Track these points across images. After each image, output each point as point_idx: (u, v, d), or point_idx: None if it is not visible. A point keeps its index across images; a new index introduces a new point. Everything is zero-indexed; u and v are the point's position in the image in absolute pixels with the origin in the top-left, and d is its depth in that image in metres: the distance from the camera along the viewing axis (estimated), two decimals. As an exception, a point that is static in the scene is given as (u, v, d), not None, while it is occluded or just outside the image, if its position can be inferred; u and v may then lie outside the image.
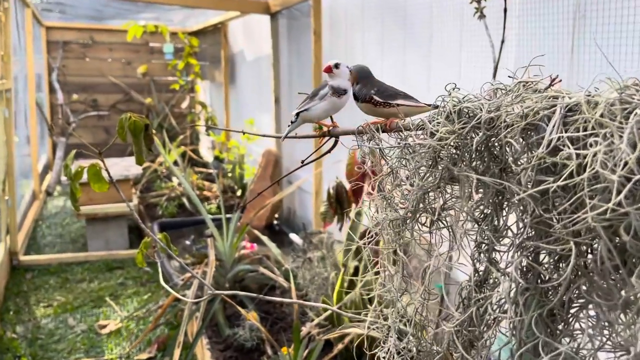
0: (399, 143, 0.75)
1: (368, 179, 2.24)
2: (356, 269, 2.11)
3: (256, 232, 2.88)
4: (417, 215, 0.71)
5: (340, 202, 2.33)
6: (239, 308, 2.17)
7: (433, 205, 0.73)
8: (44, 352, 2.42)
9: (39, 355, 2.39)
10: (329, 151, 0.88)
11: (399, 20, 2.32)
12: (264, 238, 2.78)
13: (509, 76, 0.76)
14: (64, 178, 3.64)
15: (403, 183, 0.72)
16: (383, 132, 0.76)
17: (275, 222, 3.73)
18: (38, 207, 4.54)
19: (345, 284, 2.01)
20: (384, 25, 2.43)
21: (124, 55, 6.22)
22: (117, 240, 3.75)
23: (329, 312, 1.92)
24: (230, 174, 4.49)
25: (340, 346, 1.77)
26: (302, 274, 2.21)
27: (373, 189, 2.34)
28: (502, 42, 1.38)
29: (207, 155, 5.85)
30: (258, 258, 2.60)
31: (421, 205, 0.72)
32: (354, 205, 2.32)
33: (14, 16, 3.71)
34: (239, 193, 4.29)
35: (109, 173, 1.07)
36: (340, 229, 2.35)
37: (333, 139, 0.97)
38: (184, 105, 6.31)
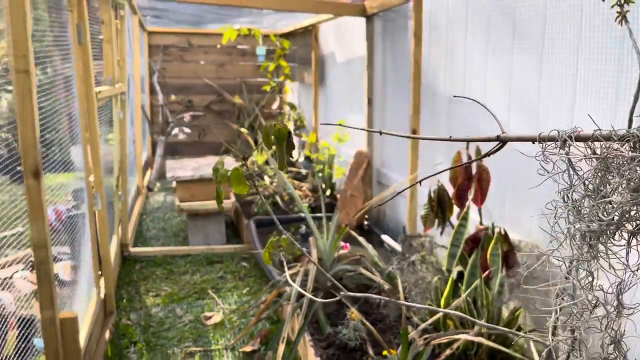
0: (596, 153, 0.72)
1: (474, 184, 2.21)
2: (460, 274, 2.10)
3: (352, 232, 2.91)
4: (617, 229, 0.70)
5: (442, 206, 2.32)
6: (350, 307, 2.21)
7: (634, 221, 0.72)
8: (157, 339, 2.58)
9: (152, 342, 2.55)
10: (488, 154, 0.88)
11: (506, 23, 2.27)
12: (361, 239, 2.82)
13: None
14: (169, 175, 3.85)
15: (598, 195, 0.71)
16: (576, 140, 0.74)
17: (365, 222, 3.76)
18: (142, 202, 4.83)
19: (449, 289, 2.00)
20: (490, 28, 2.39)
21: (217, 58, 6.48)
22: (215, 236, 3.93)
23: (435, 316, 1.92)
24: (319, 174, 4.57)
25: (448, 352, 1.76)
26: (403, 277, 2.22)
27: (481, 194, 2.29)
28: None
29: (295, 154, 5.97)
30: (356, 258, 2.63)
31: (623, 218, 0.70)
32: (457, 209, 2.30)
33: (126, 23, 3.97)
34: (327, 192, 4.36)
35: (252, 178, 1.13)
36: (441, 233, 2.34)
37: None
38: (274, 106, 6.48)
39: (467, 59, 2.59)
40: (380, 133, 1.03)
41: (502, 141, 0.82)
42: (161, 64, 6.28)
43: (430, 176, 0.98)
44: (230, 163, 4.14)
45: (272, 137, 1.04)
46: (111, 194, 3.30)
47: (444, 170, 1.03)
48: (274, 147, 1.11)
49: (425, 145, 2.92)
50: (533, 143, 0.75)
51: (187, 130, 5.70)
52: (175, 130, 5.79)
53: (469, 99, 1.00)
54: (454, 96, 1.38)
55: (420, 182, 0.97)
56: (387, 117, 3.64)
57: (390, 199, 1.21)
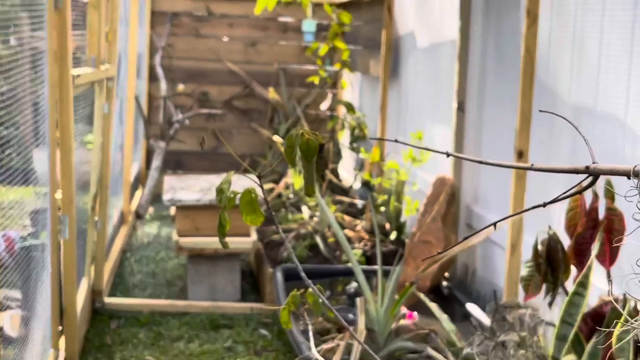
0: None
1: (601, 234, 2.24)
2: (573, 366, 2.11)
3: (422, 296, 2.97)
4: None
5: (552, 265, 2.35)
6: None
7: None
8: None
9: None
10: (579, 192, 0.95)
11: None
12: (432, 305, 2.87)
13: None
14: (167, 197, 4.02)
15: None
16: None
17: (444, 282, 3.80)
18: (126, 234, 5.04)
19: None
20: (639, 9, 2.43)
21: (247, 34, 6.71)
22: (225, 289, 4.05)
23: None
24: (382, 208, 4.64)
25: None
26: (489, 365, 2.26)
27: (610, 250, 2.32)
28: None
29: (348, 177, 6.07)
30: (423, 334, 2.69)
31: None
32: (574, 270, 2.32)
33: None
34: (392, 236, 4.42)
35: (267, 203, 1.23)
36: (550, 305, 2.36)
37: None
38: (324, 106, 6.63)
39: (603, 52, 2.64)
40: (447, 155, 1.11)
41: (591, 174, 0.87)
42: (167, 40, 6.55)
43: (511, 216, 1.04)
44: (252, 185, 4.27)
45: (295, 148, 1.14)
46: (85, 219, 3.48)
47: (533, 208, 1.10)
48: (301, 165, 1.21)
49: (535, 176, 2.97)
50: (628, 178, 0.81)
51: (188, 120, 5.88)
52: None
53: (557, 115, 1.07)
54: (540, 111, 1.45)
55: (495, 224, 1.04)
56: (485, 129, 3.69)
57: (473, 242, 1.28)
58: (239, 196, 1.28)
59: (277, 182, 5.62)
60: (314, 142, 1.15)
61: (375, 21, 5.55)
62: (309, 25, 6.38)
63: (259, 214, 1.27)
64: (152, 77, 6.50)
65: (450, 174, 3.89)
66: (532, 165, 0.92)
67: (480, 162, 1.05)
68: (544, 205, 1.00)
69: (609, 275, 2.27)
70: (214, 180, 4.51)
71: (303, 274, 1.28)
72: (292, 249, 4.11)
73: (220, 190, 1.24)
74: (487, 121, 3.67)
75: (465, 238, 1.13)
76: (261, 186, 1.22)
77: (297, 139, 1.16)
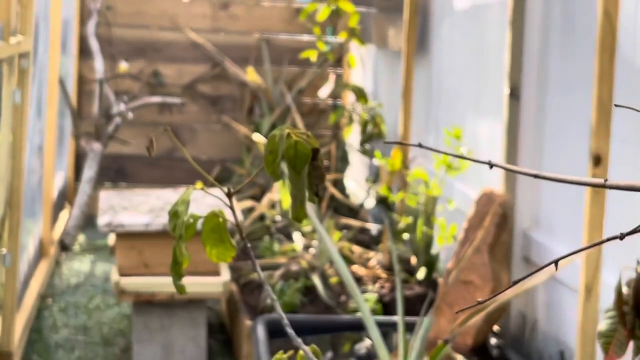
0: None
1: None
2: None
3: (460, 358, 2.97)
4: None
5: (642, 315, 2.35)
6: None
7: None
8: None
9: None
10: None
11: None
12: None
13: None
14: (104, 220, 4.01)
15: None
16: None
17: (492, 339, 3.79)
18: (47, 272, 5.03)
19: None
20: None
21: (216, -9, 6.72)
22: (185, 349, 4.03)
23: None
24: (405, 235, 4.64)
25: None
26: None
27: None
28: None
29: (357, 192, 6.07)
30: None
31: None
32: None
33: None
34: (420, 275, 4.42)
35: (240, 229, 1.24)
36: (639, 371, 2.36)
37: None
38: (323, 92, 6.62)
39: None
40: (491, 166, 1.11)
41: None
42: (105, 0, 6.56)
43: (583, 249, 1.04)
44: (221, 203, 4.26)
45: (279, 154, 1.14)
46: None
47: (610, 240, 1.10)
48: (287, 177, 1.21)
49: (617, 195, 2.96)
50: None
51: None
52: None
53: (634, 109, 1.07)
54: (616, 106, 1.45)
55: (556, 262, 1.04)
56: (548, 123, 3.69)
57: (532, 283, 1.28)
58: (201, 221, 1.28)
59: (258, 198, 5.62)
60: (304, 146, 1.15)
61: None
62: (303, -21, 6.41)
63: (229, 246, 1.27)
64: (84, 53, 6.51)
65: (500, 187, 3.89)
66: (606, 181, 0.92)
67: (536, 176, 1.05)
68: (621, 237, 1.00)
69: None
70: (170, 196, 4.51)
71: (290, 330, 1.27)
72: (280, 293, 4.10)
73: (174, 214, 1.24)
74: (550, 113, 3.67)
75: (521, 279, 1.13)
76: (232, 206, 1.22)
77: (280, 141, 1.16)
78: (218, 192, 1.24)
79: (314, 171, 1.18)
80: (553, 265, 1.08)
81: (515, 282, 1.16)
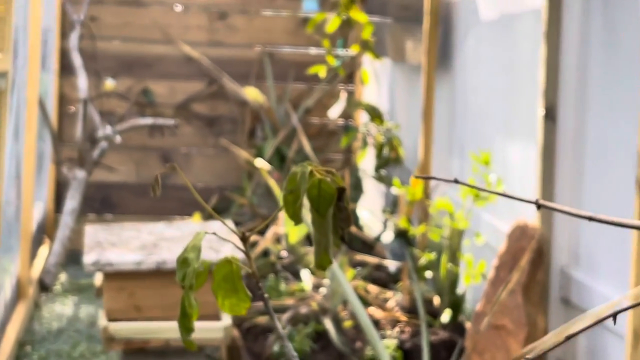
0: None
1: None
2: None
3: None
4: None
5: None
6: None
7: None
8: None
9: None
10: None
11: None
12: None
13: None
14: (90, 258, 4.01)
15: None
16: None
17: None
18: (25, 315, 5.01)
19: None
20: None
21: (213, 0, 6.73)
22: (182, 403, 4.02)
23: None
24: (428, 273, 4.62)
25: None
26: None
27: None
28: None
29: (373, 223, 6.06)
30: None
31: None
32: None
33: None
34: (445, 317, 4.40)
35: (256, 279, 1.23)
36: None
37: None
38: (334, 111, 6.62)
39: None
40: (538, 206, 1.11)
41: None
42: (88, 10, 6.56)
43: (633, 307, 1.04)
44: (218, 239, 4.25)
45: (300, 195, 1.14)
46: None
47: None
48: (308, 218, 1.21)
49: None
50: None
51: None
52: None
53: None
54: None
55: (615, 315, 1.04)
56: (589, 148, 3.68)
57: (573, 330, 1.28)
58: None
59: (261, 231, 5.60)
60: (329, 186, 1.15)
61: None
62: (310, -14, 6.41)
63: (243, 296, 1.27)
64: (66, 69, 6.52)
65: (534, 219, 3.88)
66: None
67: (590, 219, 1.05)
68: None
69: None
70: (164, 230, 4.50)
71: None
72: (288, 339, 4.08)
73: (183, 261, 1.24)
74: (591, 136, 3.66)
75: (568, 337, 1.13)
76: (247, 253, 1.22)
77: (302, 179, 1.16)
78: (217, 225, 1.24)
79: (339, 213, 1.18)
80: (602, 314, 1.08)
81: (557, 333, 1.16)
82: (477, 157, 4.28)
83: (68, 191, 5.72)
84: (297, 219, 1.17)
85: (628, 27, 3.36)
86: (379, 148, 5.68)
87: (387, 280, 4.92)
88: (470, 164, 4.32)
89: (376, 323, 4.33)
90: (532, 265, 3.76)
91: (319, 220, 1.16)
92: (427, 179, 1.72)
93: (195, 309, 1.27)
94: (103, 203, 6.60)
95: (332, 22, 5.80)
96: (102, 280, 4.14)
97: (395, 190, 5.35)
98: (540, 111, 3.88)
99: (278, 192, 5.47)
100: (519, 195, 1.17)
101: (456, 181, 1.26)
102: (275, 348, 4.01)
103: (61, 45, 6.49)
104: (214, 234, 1.29)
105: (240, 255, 1.27)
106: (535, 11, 4.05)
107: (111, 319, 3.98)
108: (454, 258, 4.48)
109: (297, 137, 6.29)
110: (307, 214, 1.19)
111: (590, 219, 1.06)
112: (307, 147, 6.18)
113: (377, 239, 5.56)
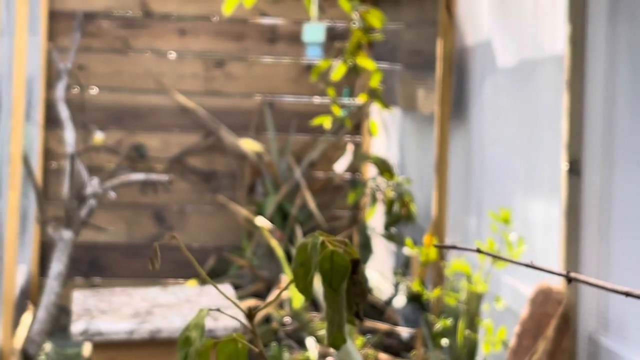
0: None
1: None
2: None
3: None
4: None
5: None
6: None
7: None
8: None
9: None
10: None
11: None
12: None
13: None
14: (79, 327, 3.99)
15: None
16: None
17: None
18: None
19: None
20: None
21: (210, 46, 6.78)
22: None
23: None
24: (444, 340, 4.61)
25: None
26: None
27: None
28: None
29: (382, 285, 6.04)
30: None
31: None
32: None
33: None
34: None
35: (263, 356, 1.22)
36: None
37: None
38: (340, 165, 6.63)
39: None
40: (569, 280, 1.10)
41: None
42: (76, 57, 6.59)
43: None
44: (218, 308, 4.24)
45: (312, 268, 1.13)
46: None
47: None
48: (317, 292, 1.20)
49: None
50: None
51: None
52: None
53: None
54: None
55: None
56: (616, 204, 3.67)
57: None
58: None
59: (262, 295, 5.59)
60: (342, 258, 1.15)
61: (426, 24, 5.60)
62: (314, 31, 6.40)
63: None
64: (51, 121, 6.53)
65: (559, 282, 3.86)
66: None
67: (627, 295, 1.04)
68: None
69: None
70: (158, 296, 4.49)
71: None
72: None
73: (185, 340, 1.22)
74: (618, 192, 3.65)
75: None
76: (254, 331, 1.21)
77: (313, 251, 1.15)
78: (216, 290, 1.22)
79: (353, 287, 1.17)
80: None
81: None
82: (495, 215, 4.28)
83: (54, 253, 5.70)
84: (308, 294, 1.16)
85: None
86: (389, 204, 5.68)
87: (399, 348, 4.91)
88: (488, 221, 4.31)
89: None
90: (558, 332, 3.74)
91: (331, 295, 1.15)
92: (448, 248, 1.70)
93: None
94: (91, 266, 6.58)
95: (338, 70, 5.81)
96: (91, 351, 4.12)
97: (407, 250, 5.33)
98: (564, 165, 3.88)
99: (280, 253, 5.47)
100: (546, 265, 1.16)
101: (479, 251, 1.25)
102: None
103: (47, 95, 6.50)
104: (218, 310, 1.28)
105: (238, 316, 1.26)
106: (556, 57, 4.06)
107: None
108: (472, 324, 4.46)
109: (301, 193, 6.29)
110: (318, 285, 1.18)
111: (627, 294, 1.05)
112: (312, 203, 6.18)
113: (388, 303, 5.54)
